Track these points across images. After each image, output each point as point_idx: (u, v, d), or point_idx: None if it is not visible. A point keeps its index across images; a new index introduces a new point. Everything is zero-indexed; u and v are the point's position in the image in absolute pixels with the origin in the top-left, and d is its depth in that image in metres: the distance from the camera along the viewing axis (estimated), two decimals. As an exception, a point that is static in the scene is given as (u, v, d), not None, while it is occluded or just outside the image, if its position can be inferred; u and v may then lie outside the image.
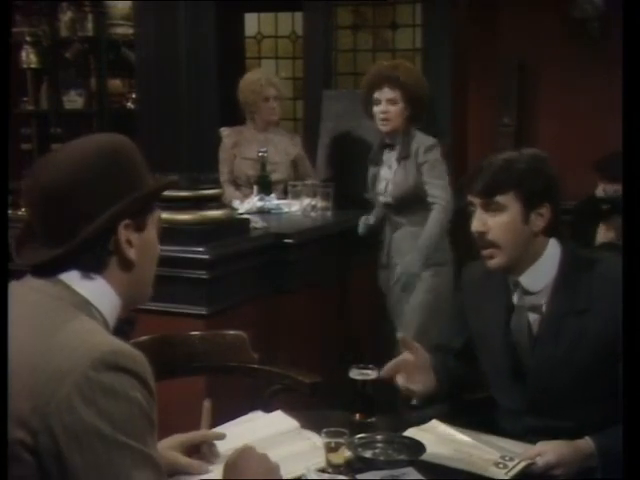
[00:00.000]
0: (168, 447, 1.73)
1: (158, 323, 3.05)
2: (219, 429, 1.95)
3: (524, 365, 2.02)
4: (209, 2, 3.32)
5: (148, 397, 1.30)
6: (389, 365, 2.08)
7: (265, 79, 4.39)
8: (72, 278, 1.39)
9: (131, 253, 1.42)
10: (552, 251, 2.00)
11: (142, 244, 1.44)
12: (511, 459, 1.83)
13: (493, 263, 1.98)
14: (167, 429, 1.76)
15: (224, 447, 1.82)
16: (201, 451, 1.80)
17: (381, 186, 3.77)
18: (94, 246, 1.38)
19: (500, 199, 1.93)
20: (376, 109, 3.70)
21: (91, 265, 1.39)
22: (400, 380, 2.07)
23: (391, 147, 3.77)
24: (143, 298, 1.54)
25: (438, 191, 3.65)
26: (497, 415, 2.12)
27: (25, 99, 5.31)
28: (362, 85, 3.88)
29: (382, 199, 3.78)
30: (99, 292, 1.40)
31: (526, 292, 2.00)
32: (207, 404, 1.89)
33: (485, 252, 1.98)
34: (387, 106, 3.67)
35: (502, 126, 5.02)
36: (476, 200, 1.98)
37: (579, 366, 1.95)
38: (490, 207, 1.94)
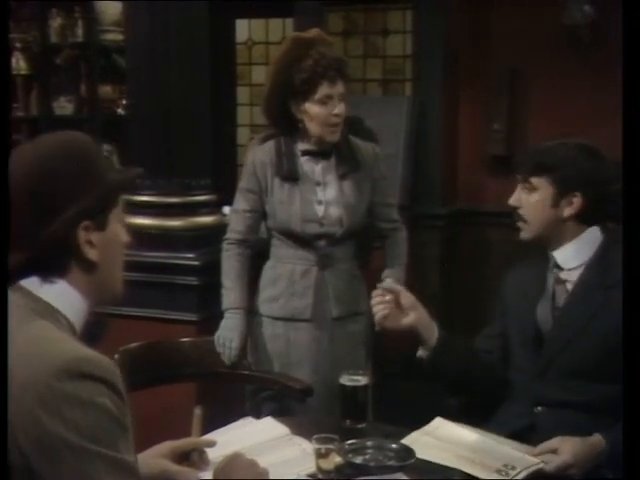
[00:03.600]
0: (158, 454, 1.72)
1: (148, 329, 3.04)
2: (210, 436, 1.95)
3: (545, 333, 2.10)
4: (200, 8, 3.32)
5: (118, 401, 1.26)
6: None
7: None
8: (33, 283, 1.34)
9: (92, 254, 1.36)
10: (591, 236, 2.10)
11: (105, 243, 1.38)
12: (513, 468, 1.83)
13: (521, 235, 2.15)
14: (158, 436, 1.76)
15: (215, 454, 1.81)
16: (191, 458, 1.79)
17: (309, 211, 2.72)
18: (53, 250, 1.33)
19: (534, 180, 2.09)
20: (323, 110, 2.66)
21: (51, 269, 1.34)
22: (378, 314, 2.10)
23: (320, 157, 2.77)
24: (113, 297, 1.46)
25: (397, 214, 2.92)
26: (510, 387, 2.15)
27: (15, 105, 5.30)
28: (286, 76, 2.68)
29: (314, 230, 2.72)
30: (62, 296, 1.35)
31: (558, 267, 2.10)
32: (198, 411, 1.88)
33: (517, 224, 2.16)
34: (341, 105, 2.70)
35: (493, 132, 5.03)
36: (518, 178, 2.15)
37: (598, 339, 2.00)
38: (525, 186, 2.11)
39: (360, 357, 2.80)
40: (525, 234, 2.14)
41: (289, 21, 5.77)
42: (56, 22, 5.25)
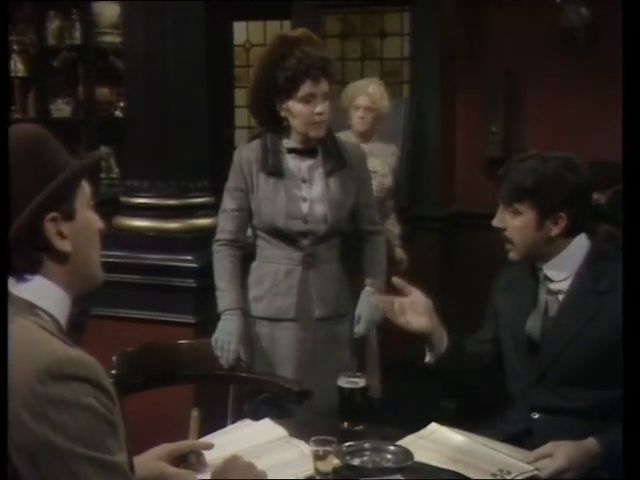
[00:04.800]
0: (155, 457, 1.72)
1: (146, 331, 3.05)
2: (207, 438, 1.95)
3: (538, 341, 2.09)
4: (198, 10, 3.32)
5: (105, 399, 1.23)
6: (382, 297, 2.11)
7: (361, 87, 4.15)
8: (10, 283, 1.30)
9: (65, 245, 1.33)
10: (578, 245, 2.08)
11: (76, 232, 1.35)
12: (508, 472, 1.83)
13: (510, 256, 2.14)
14: (155, 438, 1.76)
15: (212, 456, 1.81)
16: (189, 460, 1.79)
17: (294, 208, 2.72)
18: (21, 246, 1.29)
19: (517, 205, 2.06)
20: (306, 109, 2.66)
21: (23, 266, 1.31)
22: (400, 318, 2.06)
23: (306, 155, 2.77)
24: (92, 285, 1.43)
25: (378, 217, 2.94)
26: (506, 392, 2.15)
27: (12, 108, 5.30)
28: (270, 74, 2.69)
29: (298, 227, 2.72)
30: (40, 291, 1.32)
31: (549, 279, 2.09)
32: (195, 413, 1.88)
33: (506, 246, 2.13)
34: (324, 103, 2.69)
35: (490, 134, 5.04)
36: (499, 199, 2.12)
37: (592, 345, 2.00)
38: (509, 209, 2.08)
39: (344, 359, 2.79)
40: (513, 255, 2.12)
41: (287, 23, 5.78)
42: (53, 24, 5.25)
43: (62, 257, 1.34)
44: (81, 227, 1.37)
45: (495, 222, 2.11)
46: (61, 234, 1.33)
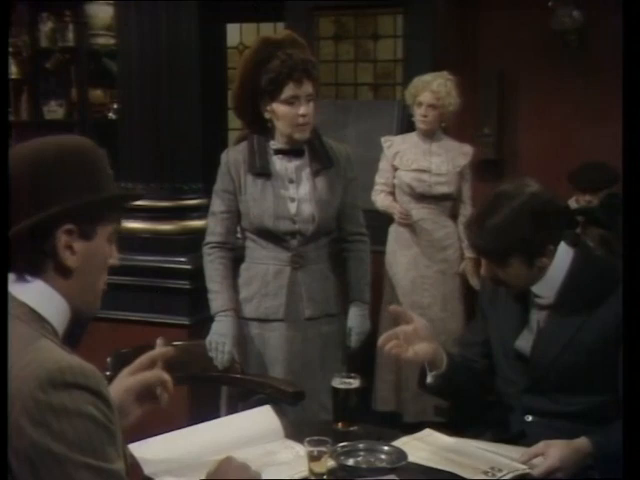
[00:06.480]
0: (124, 389, 1.65)
1: (140, 333, 3.05)
2: (203, 427, 1.96)
3: (528, 351, 2.08)
4: (191, 12, 3.33)
5: (104, 407, 1.24)
6: (385, 334, 2.06)
7: (425, 83, 3.98)
8: (15, 287, 1.31)
9: (71, 260, 1.33)
10: (562, 257, 2.05)
11: (87, 253, 1.35)
12: (500, 470, 1.85)
13: (507, 291, 2.11)
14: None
15: (206, 456, 1.81)
16: (157, 394, 1.65)
17: (282, 208, 2.72)
18: (26, 246, 1.30)
19: (505, 260, 2.01)
20: (289, 110, 2.67)
21: (24, 266, 1.31)
22: (408, 352, 2.03)
23: (292, 155, 2.78)
24: (90, 308, 1.42)
25: (362, 220, 2.92)
26: (499, 395, 2.16)
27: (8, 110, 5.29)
28: (254, 76, 2.71)
29: (286, 227, 2.72)
30: (40, 296, 1.32)
31: (537, 296, 2.07)
32: (160, 341, 1.78)
33: (500, 286, 2.10)
34: (308, 105, 2.70)
35: (482, 136, 5.05)
36: (480, 255, 2.08)
37: (582, 352, 2.00)
38: (498, 265, 2.03)
39: (334, 359, 2.81)
40: (511, 291, 2.10)
41: (280, 25, 5.79)
42: (46, 26, 5.25)
43: (65, 271, 1.34)
44: (94, 252, 1.37)
45: (484, 273, 2.09)
46: (71, 248, 1.33)
